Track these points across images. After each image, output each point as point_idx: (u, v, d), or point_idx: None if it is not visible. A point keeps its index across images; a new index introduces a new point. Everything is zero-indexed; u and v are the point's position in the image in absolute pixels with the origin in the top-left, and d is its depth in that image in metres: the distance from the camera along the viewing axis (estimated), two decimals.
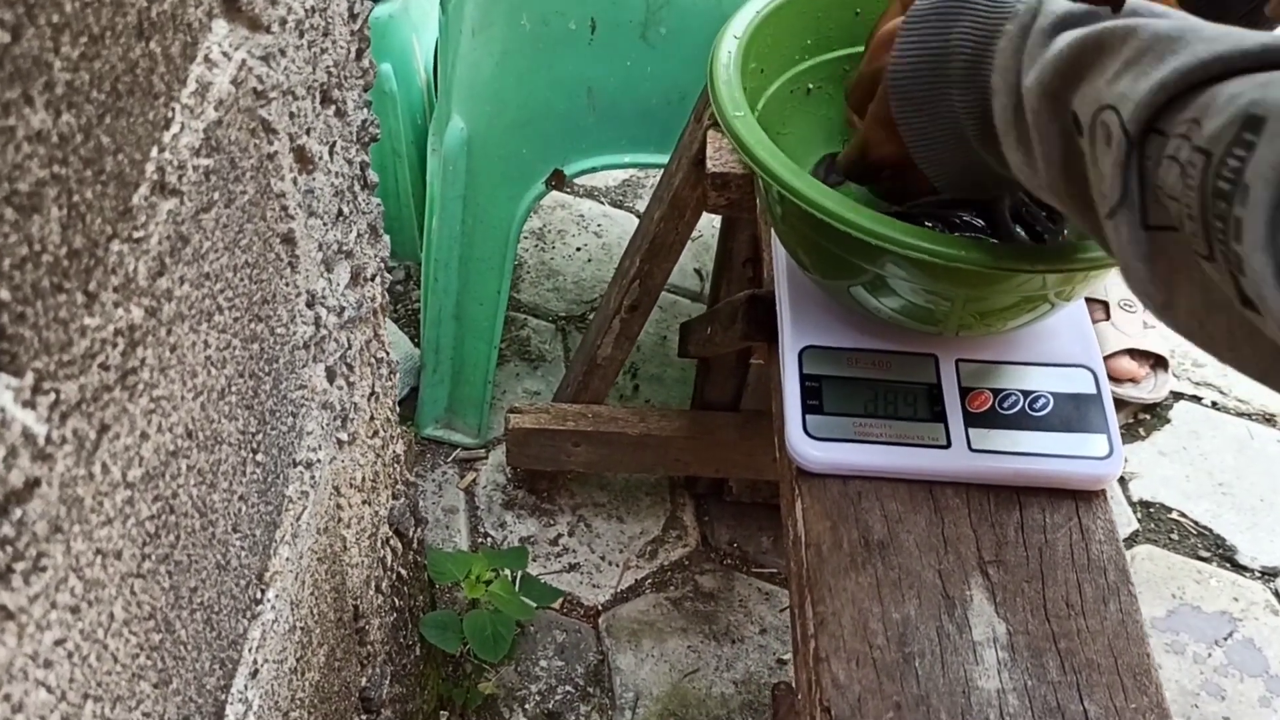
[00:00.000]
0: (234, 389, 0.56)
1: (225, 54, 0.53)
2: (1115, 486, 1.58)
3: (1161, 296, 0.50)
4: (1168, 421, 1.66)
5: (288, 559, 0.67)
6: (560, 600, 1.36)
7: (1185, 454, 1.62)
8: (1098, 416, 0.79)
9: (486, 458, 1.52)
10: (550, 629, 1.37)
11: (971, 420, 0.78)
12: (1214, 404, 1.69)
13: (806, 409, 0.77)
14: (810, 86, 0.87)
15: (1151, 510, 1.55)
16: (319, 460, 0.72)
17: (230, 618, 0.58)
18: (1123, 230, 0.49)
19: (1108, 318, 1.66)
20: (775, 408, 0.82)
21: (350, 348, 0.79)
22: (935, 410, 0.78)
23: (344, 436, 0.78)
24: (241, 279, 0.56)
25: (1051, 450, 0.77)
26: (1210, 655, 1.42)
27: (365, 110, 0.78)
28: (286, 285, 0.64)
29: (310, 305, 0.69)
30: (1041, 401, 0.79)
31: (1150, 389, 1.65)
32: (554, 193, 1.33)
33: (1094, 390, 0.80)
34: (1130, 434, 1.65)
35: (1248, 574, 1.50)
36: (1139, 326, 1.67)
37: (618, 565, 1.43)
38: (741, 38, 0.79)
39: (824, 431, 0.76)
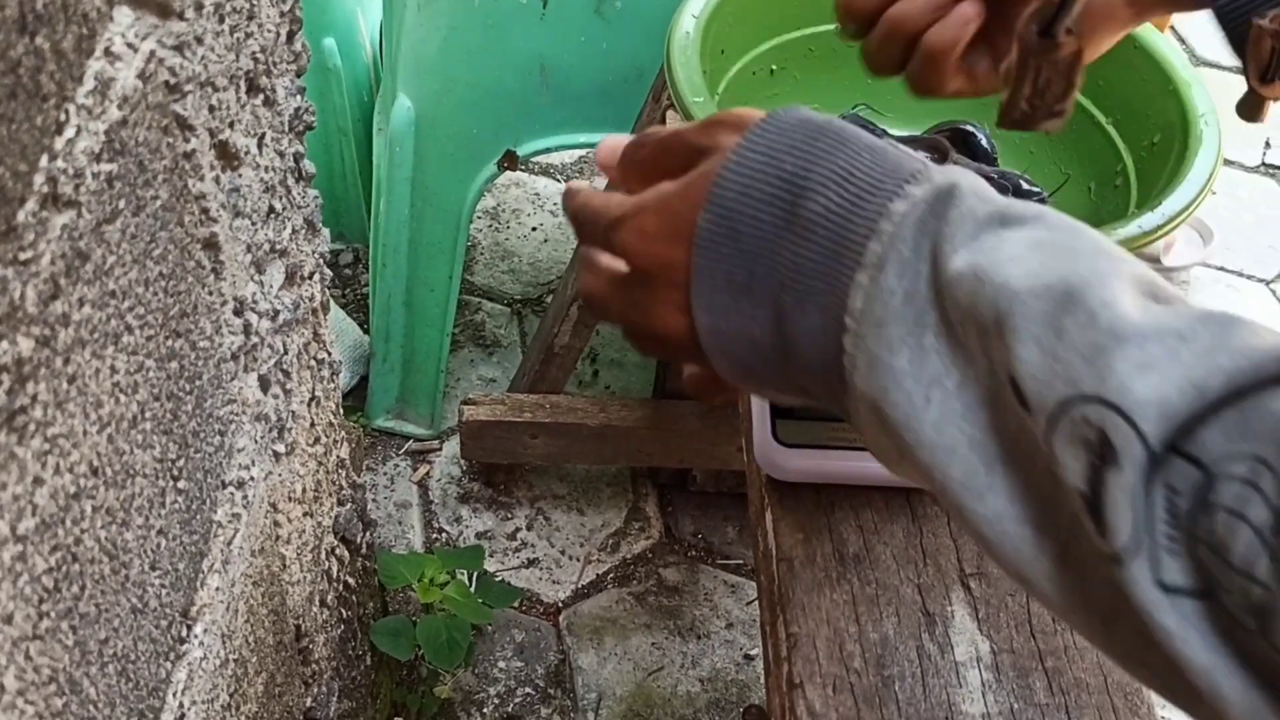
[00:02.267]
0: (149, 414, 0.50)
1: (130, 45, 0.47)
2: None
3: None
4: None
5: (218, 589, 0.61)
6: (519, 599, 1.32)
7: None
8: None
9: (440, 449, 1.47)
10: (509, 628, 1.32)
11: None
12: None
13: (776, 413, 0.73)
14: (774, 68, 0.82)
15: None
16: (252, 478, 0.66)
17: (150, 664, 0.52)
18: (1141, 585, 0.32)
19: None
20: (743, 409, 0.78)
21: (287, 353, 0.73)
22: None
23: (281, 448, 0.73)
24: (155, 293, 0.50)
25: None
26: None
27: (298, 97, 0.72)
28: (210, 294, 0.58)
29: (239, 313, 0.63)
30: None
31: (1187, 255, 1.65)
32: (508, 171, 1.27)
33: None
34: None
35: None
36: None
37: (578, 560, 1.39)
38: (700, 17, 0.74)
39: (795, 438, 0.72)
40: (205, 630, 0.60)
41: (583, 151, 1.84)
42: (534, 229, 1.74)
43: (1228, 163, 1.99)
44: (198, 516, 0.58)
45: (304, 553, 0.81)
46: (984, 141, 0.83)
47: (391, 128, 1.27)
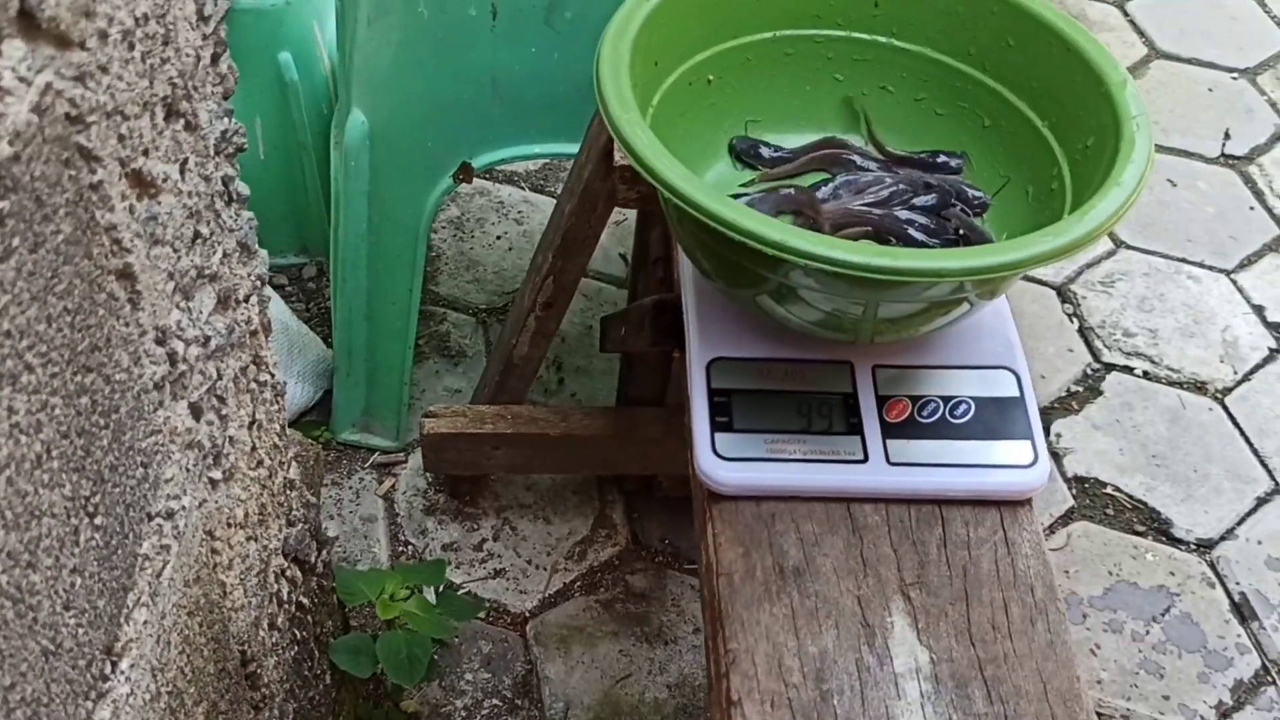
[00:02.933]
0: (55, 453, 0.50)
1: (23, 79, 0.47)
2: (1052, 465, 1.56)
3: None
4: (1100, 394, 1.64)
5: (146, 623, 0.61)
6: (484, 611, 1.31)
7: (1118, 427, 1.60)
8: (1021, 421, 0.75)
9: (406, 461, 1.46)
10: (476, 639, 1.32)
11: (889, 431, 0.73)
12: (1145, 374, 1.67)
13: (716, 427, 0.72)
14: (710, 77, 0.82)
15: (1086, 486, 1.53)
16: (183, 508, 0.66)
17: (67, 705, 0.52)
18: None
19: None
20: (686, 421, 0.78)
21: (221, 378, 0.73)
22: (851, 422, 0.74)
23: (217, 475, 0.72)
24: (58, 330, 0.50)
25: (973, 460, 0.73)
26: (1149, 632, 1.40)
27: (226, 119, 0.72)
28: (126, 326, 0.58)
29: (161, 342, 0.62)
30: (963, 408, 0.75)
31: None
32: (464, 183, 1.26)
33: (1016, 393, 0.76)
34: (1063, 408, 1.62)
35: (1183, 547, 1.48)
36: None
37: (545, 569, 1.38)
38: (630, 31, 0.74)
39: (734, 451, 0.72)
40: (132, 665, 0.59)
41: (545, 160, 1.84)
42: (498, 237, 1.74)
43: (1188, 154, 1.99)
44: (119, 552, 0.58)
45: (248, 577, 0.80)
46: (950, 159, 0.83)
47: (346, 142, 1.26)
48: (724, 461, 0.71)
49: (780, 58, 0.83)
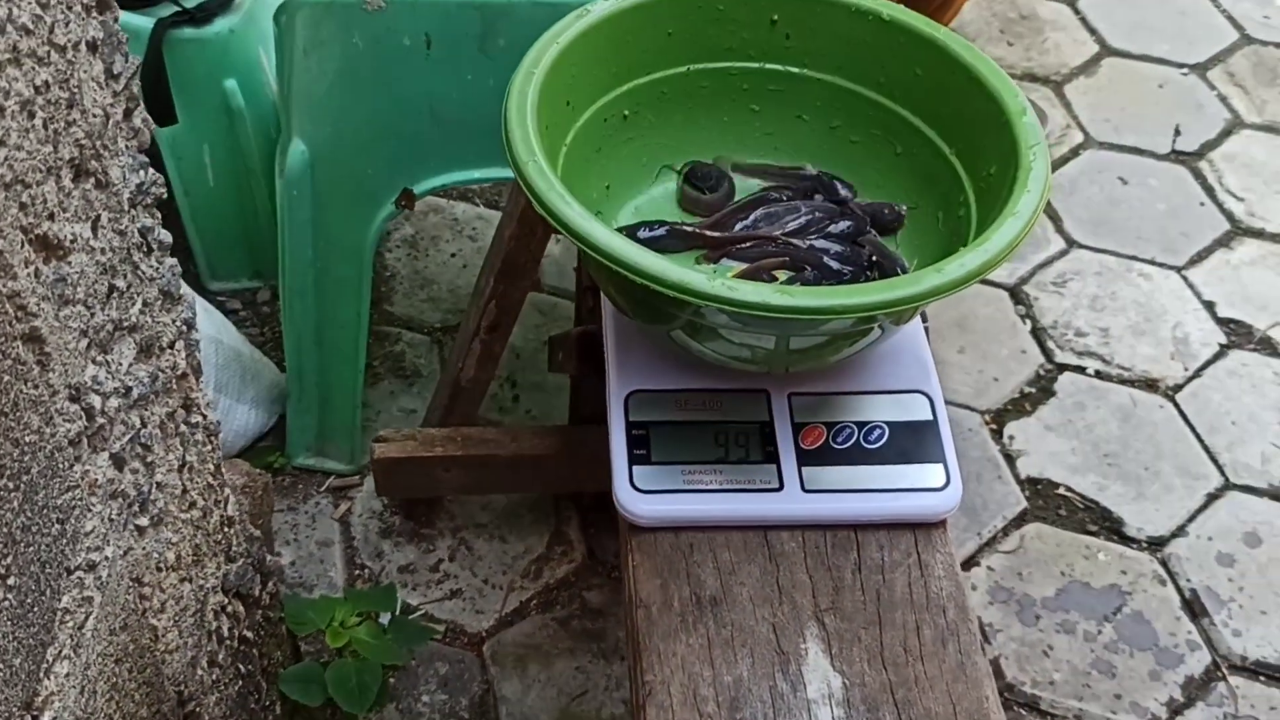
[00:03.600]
0: None
1: None
2: (1005, 468, 1.58)
3: None
4: (1053, 394, 1.66)
5: (68, 675, 0.62)
6: (442, 632, 1.32)
7: (1070, 427, 1.62)
8: (934, 445, 0.76)
9: (361, 485, 1.47)
10: (433, 661, 1.33)
11: (805, 458, 0.75)
12: (1097, 373, 1.69)
13: (633, 460, 0.74)
14: (626, 113, 0.83)
15: (1039, 488, 1.55)
16: (105, 558, 0.67)
17: None
18: None
19: None
20: (607, 453, 0.79)
21: (145, 426, 0.74)
22: (767, 450, 0.75)
23: (144, 522, 0.73)
24: None
25: (887, 485, 0.74)
26: (1101, 632, 1.42)
27: (142, 172, 0.73)
28: (35, 388, 0.59)
29: (76, 398, 0.64)
30: (877, 433, 0.76)
31: None
32: (406, 209, 1.28)
33: (930, 416, 0.77)
34: (1016, 410, 1.64)
35: (1135, 545, 1.50)
36: None
37: (501, 588, 1.40)
38: (538, 75, 0.75)
39: (652, 484, 0.73)
40: (55, 718, 0.60)
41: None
42: (453, 255, 1.75)
43: (1139, 151, 2.01)
44: (35, 609, 0.59)
45: (183, 618, 0.82)
46: (840, 187, 0.84)
47: (288, 172, 1.27)
48: (642, 494, 0.73)
49: (696, 90, 0.85)
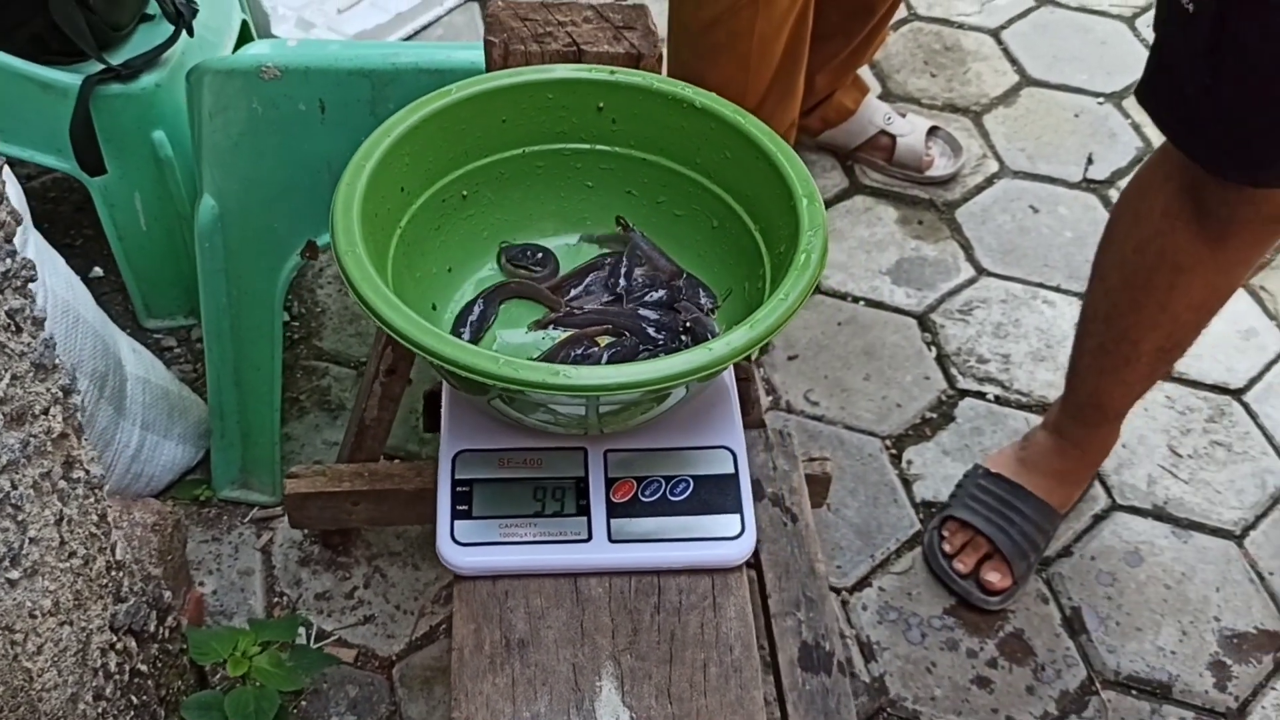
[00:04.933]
0: None
1: None
2: (901, 492, 1.65)
3: None
4: (952, 420, 1.74)
5: None
6: (352, 659, 1.40)
7: (967, 451, 1.70)
8: (733, 497, 0.84)
9: (284, 516, 1.55)
10: (344, 684, 1.41)
11: (614, 511, 0.83)
12: (996, 398, 1.77)
13: (456, 515, 0.82)
14: (464, 193, 0.91)
15: (933, 511, 1.63)
16: None
17: None
18: None
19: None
20: (433, 509, 0.87)
21: (16, 488, 0.82)
22: (581, 504, 0.83)
23: (15, 575, 0.81)
24: None
25: (687, 534, 0.82)
26: (982, 649, 1.50)
27: (8, 260, 0.81)
28: None
29: None
30: (682, 486, 0.84)
31: (945, 166, 2.00)
32: (310, 260, 1.36)
33: (732, 470, 0.85)
34: (916, 435, 1.72)
35: None
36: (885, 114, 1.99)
37: (413, 613, 1.47)
38: (369, 166, 0.83)
39: (471, 537, 0.81)
40: None
41: None
42: None
43: (1051, 180, 2.09)
44: None
45: (63, 659, 0.90)
46: (703, 294, 0.92)
47: (199, 226, 1.35)
48: (461, 547, 0.80)
49: (533, 170, 0.93)
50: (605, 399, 0.78)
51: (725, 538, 0.82)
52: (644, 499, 0.83)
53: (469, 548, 0.80)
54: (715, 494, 0.84)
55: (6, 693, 0.80)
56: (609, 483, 0.84)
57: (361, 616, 1.47)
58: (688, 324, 0.88)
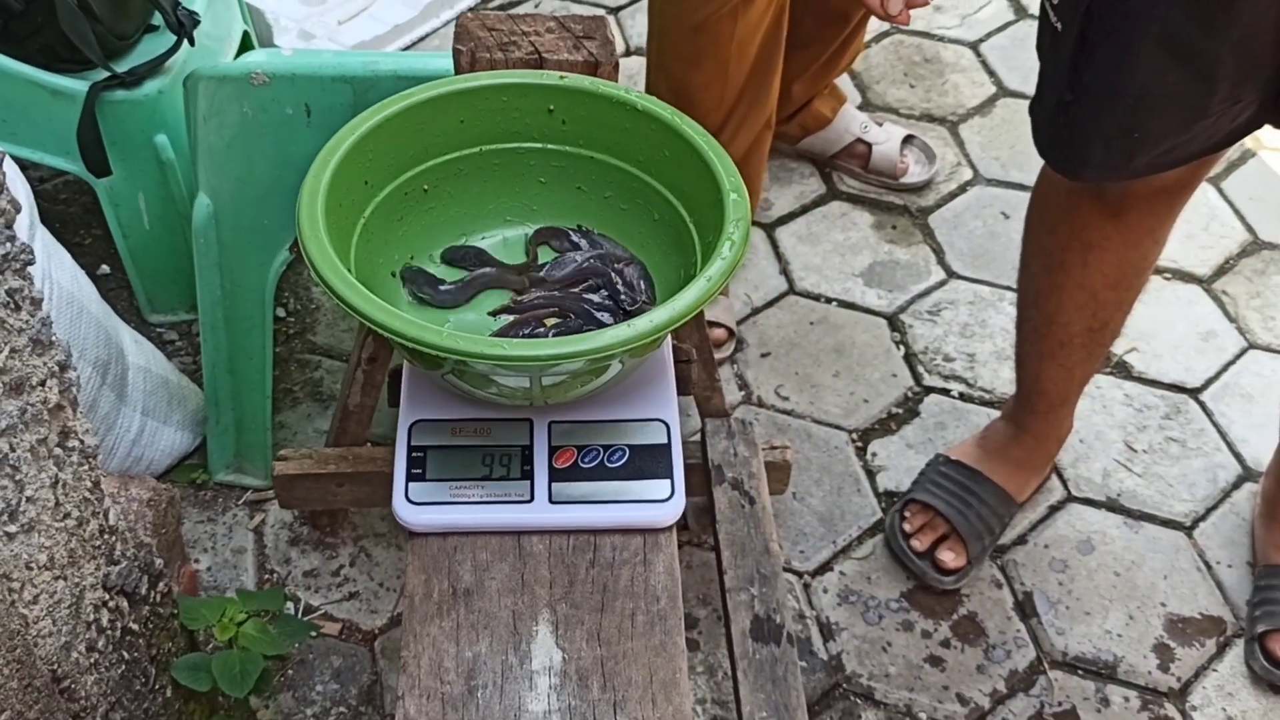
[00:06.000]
0: None
1: None
2: (865, 482, 1.73)
3: None
4: (917, 415, 1.82)
5: None
6: (318, 630, 1.48)
7: (930, 445, 1.77)
8: (665, 464, 0.92)
9: (274, 497, 1.64)
10: (328, 655, 1.49)
11: (556, 476, 0.91)
12: (960, 395, 1.84)
13: (410, 477, 0.90)
14: (425, 187, 1.00)
15: (894, 500, 1.70)
16: None
17: None
18: None
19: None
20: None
21: (14, 451, 0.90)
22: (525, 469, 0.91)
23: (13, 529, 0.90)
24: None
25: (621, 497, 0.90)
26: (936, 630, 1.57)
27: (8, 244, 0.89)
28: None
29: None
30: (619, 454, 0.93)
31: (919, 173, 2.09)
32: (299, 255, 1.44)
33: (665, 440, 0.93)
34: (882, 429, 1.79)
35: None
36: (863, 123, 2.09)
37: (395, 590, 1.56)
38: (335, 160, 0.92)
39: (424, 497, 0.90)
40: None
41: None
42: None
43: (1023, 188, 2.16)
44: None
45: (57, 610, 0.98)
46: (606, 242, 1.01)
47: (195, 223, 1.44)
48: (414, 506, 0.89)
49: (490, 167, 1.01)
50: (547, 372, 0.86)
51: (656, 500, 0.90)
52: (583, 465, 0.91)
53: (422, 506, 0.88)
54: (649, 461, 0.92)
55: (4, 634, 0.89)
56: (552, 450, 0.92)
57: (347, 593, 1.55)
58: (627, 309, 0.96)
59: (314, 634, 1.46)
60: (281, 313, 1.85)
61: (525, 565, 0.88)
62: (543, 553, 0.88)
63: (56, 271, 1.41)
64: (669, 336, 0.90)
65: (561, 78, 0.97)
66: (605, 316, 0.95)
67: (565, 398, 0.92)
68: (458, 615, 0.85)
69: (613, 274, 0.98)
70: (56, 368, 0.98)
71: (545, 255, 1.02)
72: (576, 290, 0.97)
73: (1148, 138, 1.11)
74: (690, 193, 0.95)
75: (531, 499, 0.89)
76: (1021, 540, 1.67)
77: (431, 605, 0.85)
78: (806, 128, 2.11)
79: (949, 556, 1.57)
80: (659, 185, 0.98)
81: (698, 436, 1.29)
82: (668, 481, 0.91)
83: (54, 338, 0.97)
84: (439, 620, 0.84)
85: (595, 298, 0.96)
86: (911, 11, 1.08)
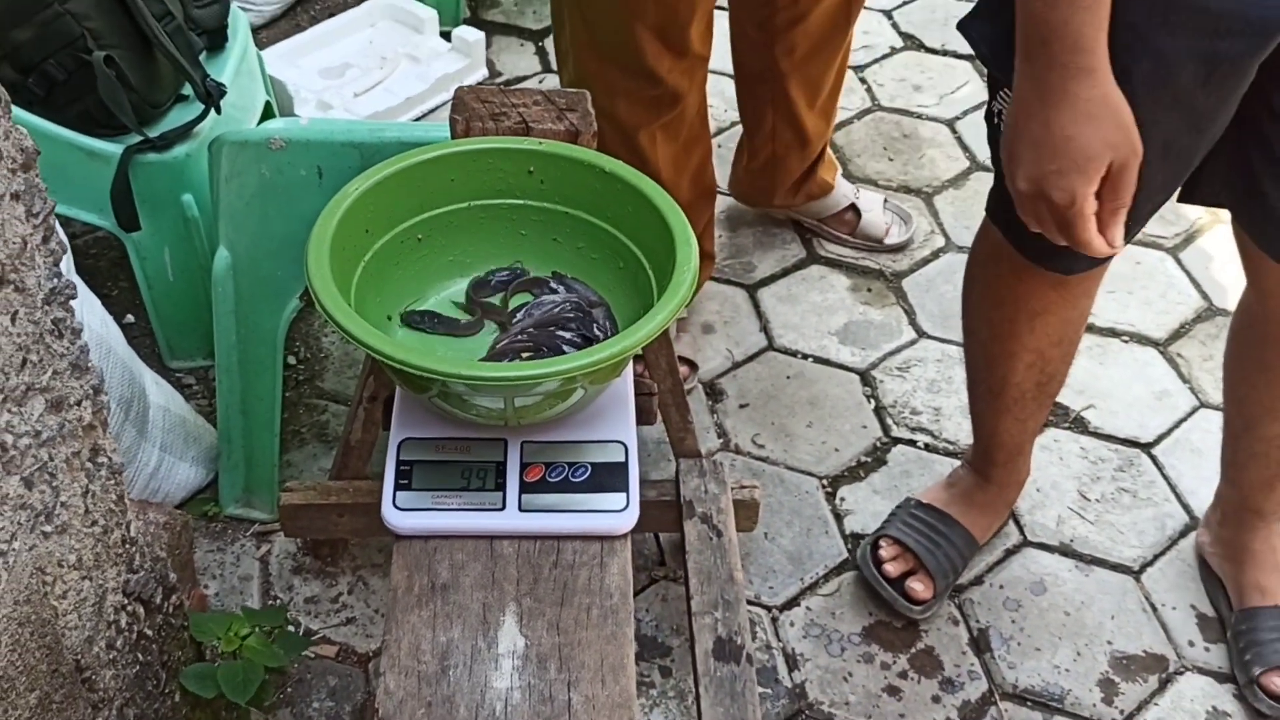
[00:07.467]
0: None
1: None
2: (833, 525, 1.84)
3: None
4: (885, 464, 1.93)
5: None
6: (311, 647, 1.59)
7: (895, 491, 1.89)
8: (622, 479, 1.05)
9: (281, 530, 1.76)
10: (325, 675, 1.60)
11: (526, 488, 1.04)
12: (926, 445, 1.96)
13: (399, 487, 1.03)
14: (419, 237, 1.13)
15: (860, 541, 1.81)
16: (13, 550, 0.96)
17: None
18: None
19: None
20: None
21: (53, 460, 1.03)
22: (499, 482, 1.04)
23: (49, 529, 1.02)
24: None
25: (583, 507, 1.03)
26: (895, 662, 1.68)
27: (55, 279, 1.03)
28: None
29: None
30: (581, 470, 1.05)
31: (899, 234, 2.24)
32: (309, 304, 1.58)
33: (623, 459, 1.06)
34: (851, 476, 1.91)
35: None
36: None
37: None
38: (340, 211, 1.05)
39: (410, 504, 1.02)
40: None
41: None
42: None
43: None
44: None
45: (83, 606, 1.10)
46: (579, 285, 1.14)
47: (215, 273, 1.59)
48: (401, 512, 1.01)
49: (477, 219, 1.15)
50: (519, 393, 0.99)
51: (613, 510, 1.02)
52: (550, 479, 1.04)
53: (407, 512, 1.01)
54: (608, 477, 1.04)
55: (38, 622, 1.01)
56: (523, 465, 1.04)
57: (344, 618, 1.67)
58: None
59: (312, 654, 1.57)
60: (292, 360, 1.98)
61: (496, 565, 0.99)
62: (512, 554, 1.00)
63: (88, 315, 1.55)
64: (630, 367, 1.03)
65: (540, 143, 1.12)
66: (573, 351, 1.08)
67: (536, 419, 1.05)
68: (435, 606, 0.96)
69: (583, 314, 1.11)
70: (91, 390, 1.11)
71: (523, 299, 1.16)
72: (550, 329, 1.10)
73: (1131, 224, 1.20)
74: (650, 244, 1.09)
75: (504, 507, 1.01)
76: (978, 580, 1.77)
77: (412, 598, 0.97)
78: (812, 195, 2.22)
79: (920, 587, 1.68)
80: (623, 237, 1.11)
81: (672, 475, 1.42)
82: (624, 495, 1.03)
83: (90, 364, 1.11)
84: (418, 610, 0.96)
85: (566, 334, 1.09)
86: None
